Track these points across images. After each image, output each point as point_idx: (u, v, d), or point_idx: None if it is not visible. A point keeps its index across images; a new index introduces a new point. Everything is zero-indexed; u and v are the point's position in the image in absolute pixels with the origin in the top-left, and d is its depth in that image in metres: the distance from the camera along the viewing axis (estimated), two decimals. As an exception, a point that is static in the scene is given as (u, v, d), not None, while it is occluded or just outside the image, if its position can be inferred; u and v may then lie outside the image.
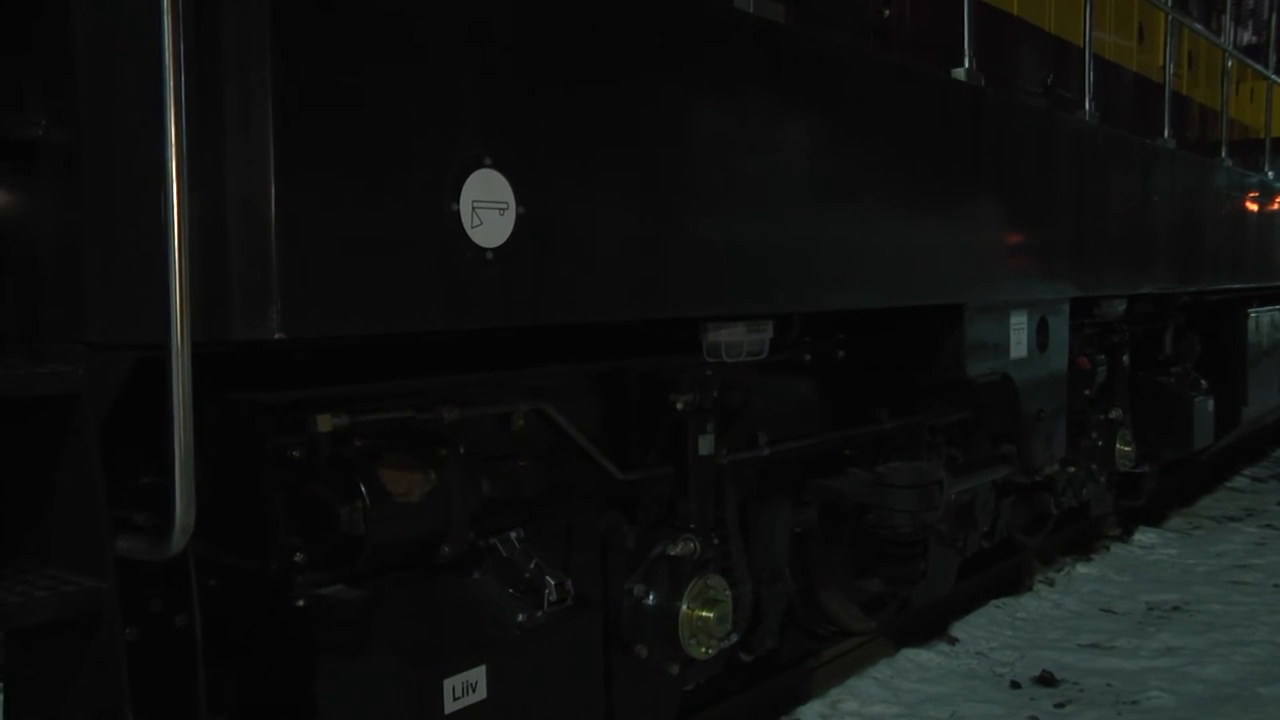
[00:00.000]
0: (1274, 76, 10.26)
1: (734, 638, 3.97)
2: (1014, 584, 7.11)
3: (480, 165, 2.60)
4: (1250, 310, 9.43)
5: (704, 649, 3.79)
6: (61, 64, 2.42)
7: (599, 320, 3.10)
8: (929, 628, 6.12)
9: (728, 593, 3.89)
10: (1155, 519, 9.07)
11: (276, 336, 2.25)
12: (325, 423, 2.81)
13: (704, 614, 3.77)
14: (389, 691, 2.93)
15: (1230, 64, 9.11)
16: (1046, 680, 5.56)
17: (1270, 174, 9.80)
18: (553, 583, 3.19)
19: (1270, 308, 10.07)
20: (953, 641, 6.04)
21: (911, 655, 5.75)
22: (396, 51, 2.46)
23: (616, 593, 3.70)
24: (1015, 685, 5.50)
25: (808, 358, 4.75)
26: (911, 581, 5.37)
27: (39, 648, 2.37)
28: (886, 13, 5.05)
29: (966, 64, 4.86)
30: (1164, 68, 7.65)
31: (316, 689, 2.95)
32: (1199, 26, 8.73)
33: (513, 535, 3.24)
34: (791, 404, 4.70)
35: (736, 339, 3.76)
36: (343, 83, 2.36)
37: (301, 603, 2.92)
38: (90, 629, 2.28)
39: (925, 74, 4.73)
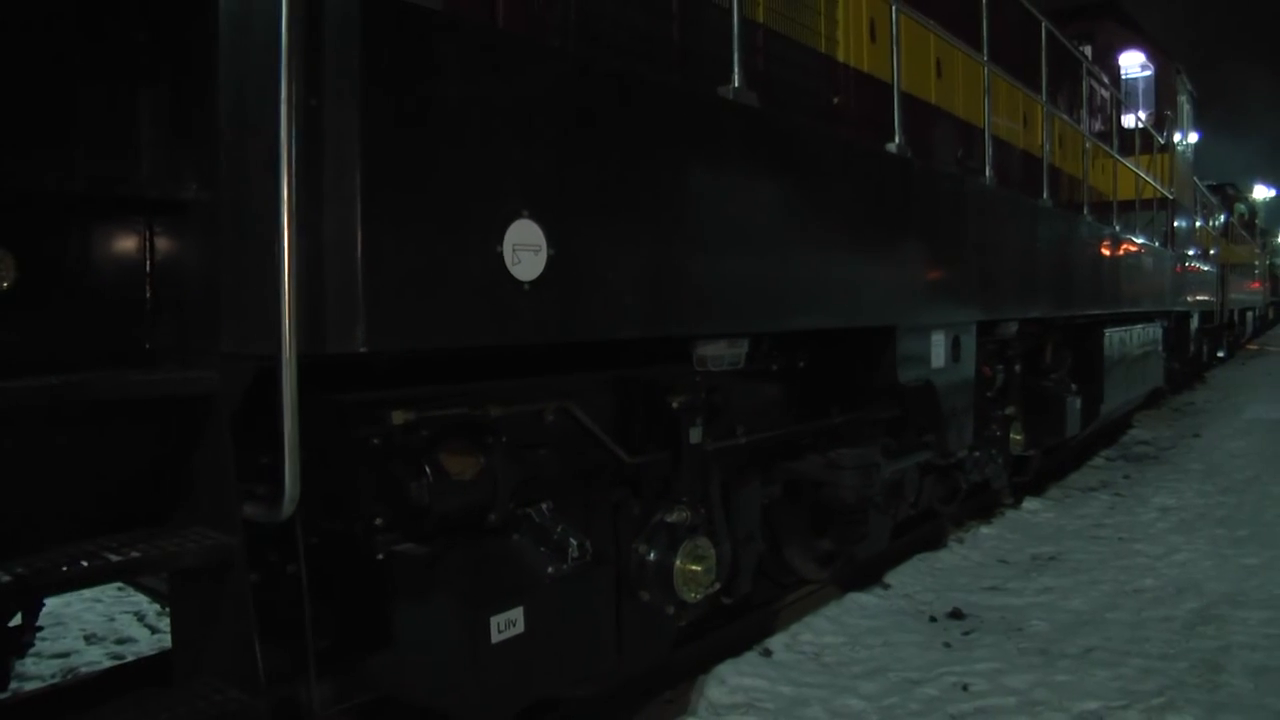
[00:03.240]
0: (1117, 155, 10.34)
1: (717, 585, 3.92)
2: (933, 542, 7.06)
3: (519, 216, 2.58)
4: (1106, 330, 9.48)
5: (694, 594, 3.74)
6: (208, 142, 2.45)
7: (612, 338, 3.07)
8: (868, 577, 6.06)
9: (712, 551, 3.84)
10: (1038, 490, 9.02)
11: (361, 350, 2.26)
12: (399, 417, 2.81)
13: (693, 567, 3.73)
14: (448, 625, 2.91)
15: (1088, 145, 9.21)
16: (956, 614, 5.50)
17: (1117, 227, 9.84)
18: (575, 543, 3.16)
19: (1121, 328, 10.13)
20: (886, 587, 5.98)
21: (855, 598, 5.69)
22: (457, 132, 2.47)
23: (625, 551, 3.65)
24: (933, 619, 5.44)
25: (775, 367, 4.71)
26: (856, 541, 5.35)
27: (191, 587, 2.42)
28: (836, 100, 5.02)
29: (897, 140, 4.84)
30: (1042, 146, 7.65)
31: (393, 623, 2.94)
32: (1066, 117, 8.78)
33: (544, 506, 3.21)
34: (763, 403, 4.66)
35: (720, 352, 3.73)
36: (413, 155, 2.36)
37: (381, 556, 2.91)
38: (225, 573, 2.32)
39: (865, 147, 4.71)
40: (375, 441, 2.89)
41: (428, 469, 2.89)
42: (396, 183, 2.31)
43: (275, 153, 2.20)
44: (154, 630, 5.24)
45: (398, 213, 2.31)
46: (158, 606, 5.26)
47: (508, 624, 2.99)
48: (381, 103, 2.28)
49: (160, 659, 3.89)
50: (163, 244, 2.58)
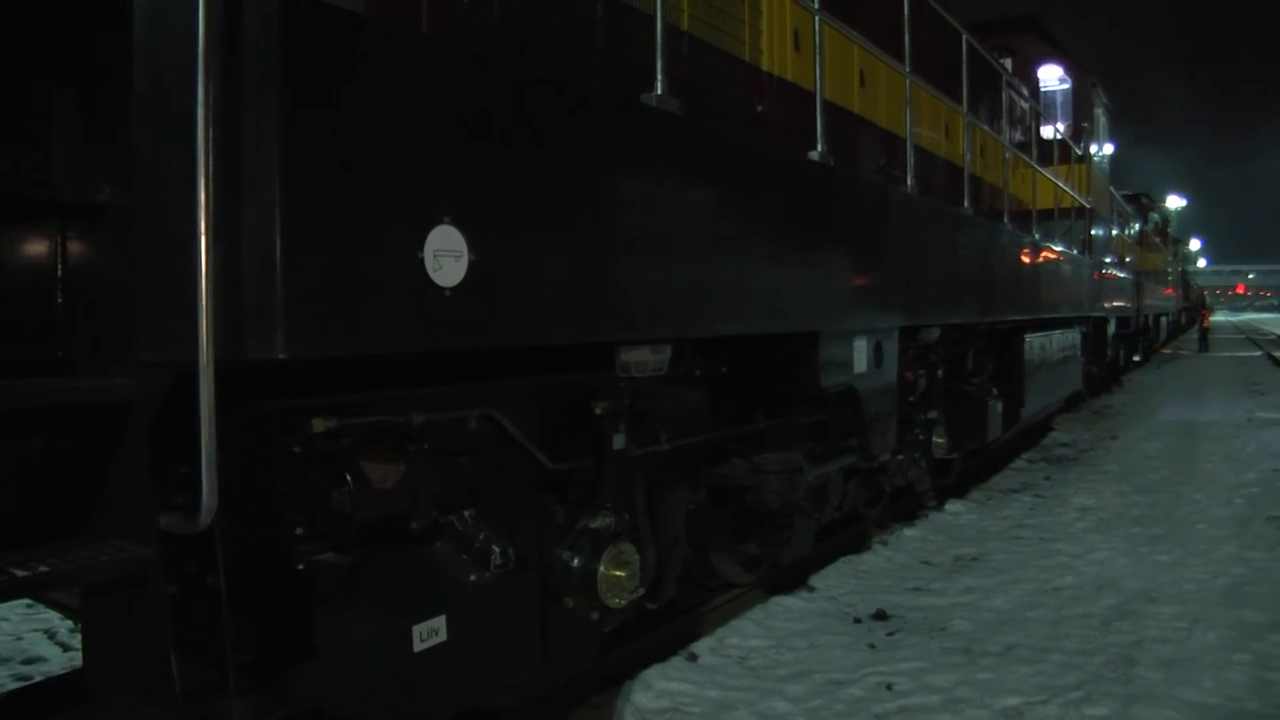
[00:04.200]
0: (1036, 166, 10.59)
1: (641, 591, 3.94)
2: (858, 545, 7.15)
3: (440, 222, 2.59)
4: (1026, 335, 9.68)
5: (618, 600, 3.76)
6: (122, 146, 2.42)
7: (534, 344, 3.09)
8: (793, 580, 6.13)
9: (636, 556, 3.86)
10: (961, 492, 9.17)
11: (280, 356, 2.25)
12: (319, 425, 2.78)
13: (617, 573, 3.75)
14: (370, 635, 2.88)
15: (1008, 155, 9.42)
16: (881, 616, 5.59)
17: (1037, 235, 10.07)
18: (498, 550, 3.16)
19: (1041, 333, 10.36)
20: (811, 590, 6.06)
21: (780, 601, 5.76)
22: (377, 137, 2.46)
23: (549, 557, 3.65)
24: (858, 620, 5.53)
25: (699, 373, 4.75)
26: (780, 545, 5.38)
27: (105, 601, 2.40)
28: (760, 108, 5.09)
29: (819, 148, 4.92)
30: (964, 155, 7.81)
31: (315, 634, 2.91)
32: (986, 127, 8.97)
33: (466, 513, 3.21)
34: (687, 409, 4.69)
35: (643, 358, 3.76)
36: (335, 163, 2.35)
37: (302, 566, 2.88)
38: (140, 586, 2.30)
39: (788, 155, 4.77)
40: (296, 449, 2.86)
41: (349, 477, 2.87)
42: (316, 187, 2.30)
43: (192, 156, 2.18)
44: (65, 648, 5.10)
45: (317, 217, 2.30)
46: (70, 623, 5.12)
47: (430, 632, 2.98)
48: (301, 106, 2.26)
49: (72, 678, 3.80)
50: (76, 249, 2.54)
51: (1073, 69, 13.81)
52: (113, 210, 2.46)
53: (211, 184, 2.19)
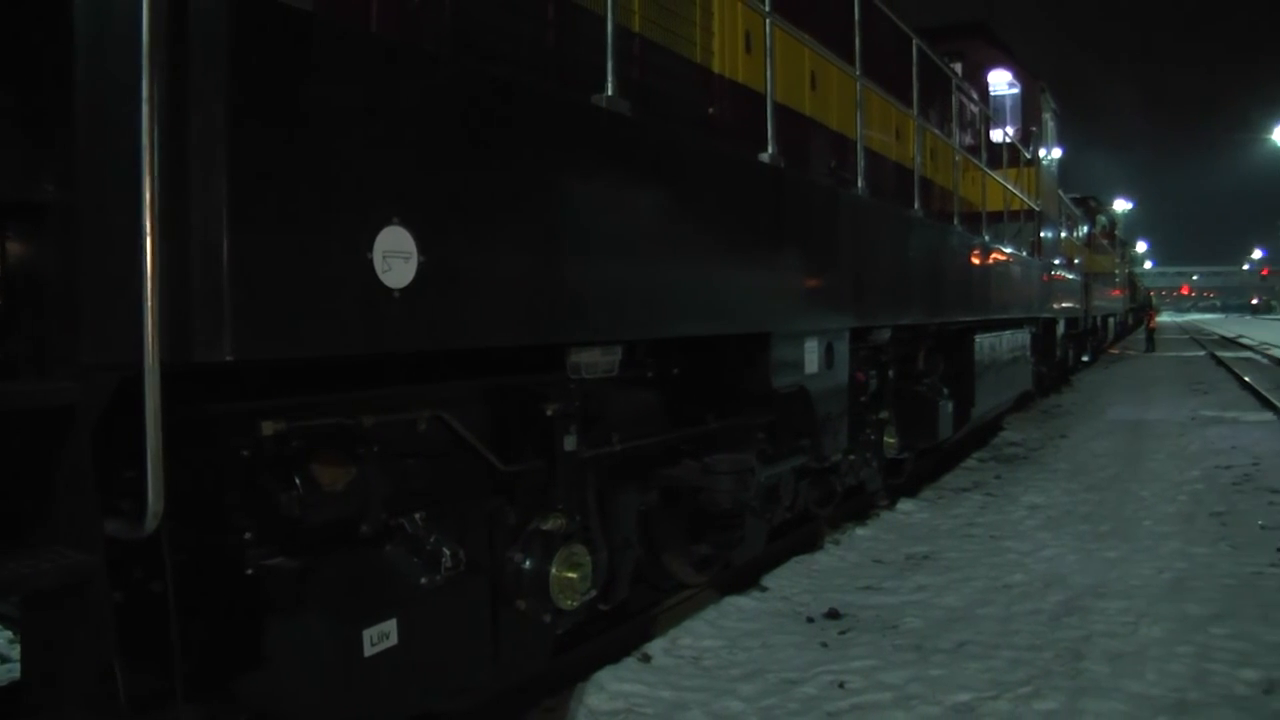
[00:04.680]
0: (985, 168, 10.74)
1: (593, 593, 3.96)
2: (810, 544, 7.20)
3: (390, 223, 2.58)
4: (976, 336, 9.81)
5: (570, 602, 3.77)
6: (66, 143, 2.38)
7: (485, 345, 3.09)
8: (746, 580, 6.17)
9: (588, 558, 3.88)
10: (912, 491, 9.27)
11: (228, 359, 2.23)
12: (268, 428, 2.77)
13: (569, 574, 3.76)
14: (320, 640, 2.88)
15: (958, 158, 9.55)
16: (833, 614, 5.64)
17: (987, 237, 10.20)
18: (448, 552, 3.15)
19: (992, 334, 10.51)
20: (764, 589, 6.10)
21: (733, 601, 5.80)
22: (327, 136, 2.45)
23: (500, 559, 3.65)
24: (810, 620, 5.58)
25: (650, 374, 4.78)
26: (732, 545, 5.42)
27: (46, 609, 2.34)
28: (711, 109, 5.12)
29: (770, 149, 4.96)
30: (914, 158, 7.91)
31: (265, 640, 2.89)
32: (937, 130, 9.07)
33: (417, 516, 3.20)
34: (638, 410, 4.71)
35: (594, 359, 3.77)
36: (283, 162, 2.34)
37: (251, 571, 2.85)
38: (84, 594, 2.25)
39: (740, 157, 4.81)
40: (245, 453, 2.84)
41: (298, 480, 2.84)
42: (264, 187, 2.28)
43: (137, 153, 2.15)
44: (3, 659, 5.01)
45: (265, 218, 2.29)
46: (10, 634, 5.03)
47: (381, 636, 2.98)
48: (249, 103, 2.24)
49: (10, 691, 3.74)
50: (16, 248, 2.50)
51: (1021, 74, 14.03)
52: (55, 209, 2.43)
53: (157, 183, 2.16)
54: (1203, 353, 35.17)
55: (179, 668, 2.72)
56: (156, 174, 2.16)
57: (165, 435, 2.23)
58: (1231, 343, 44.17)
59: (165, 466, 2.24)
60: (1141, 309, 48.55)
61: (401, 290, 2.61)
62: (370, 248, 2.53)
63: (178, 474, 2.44)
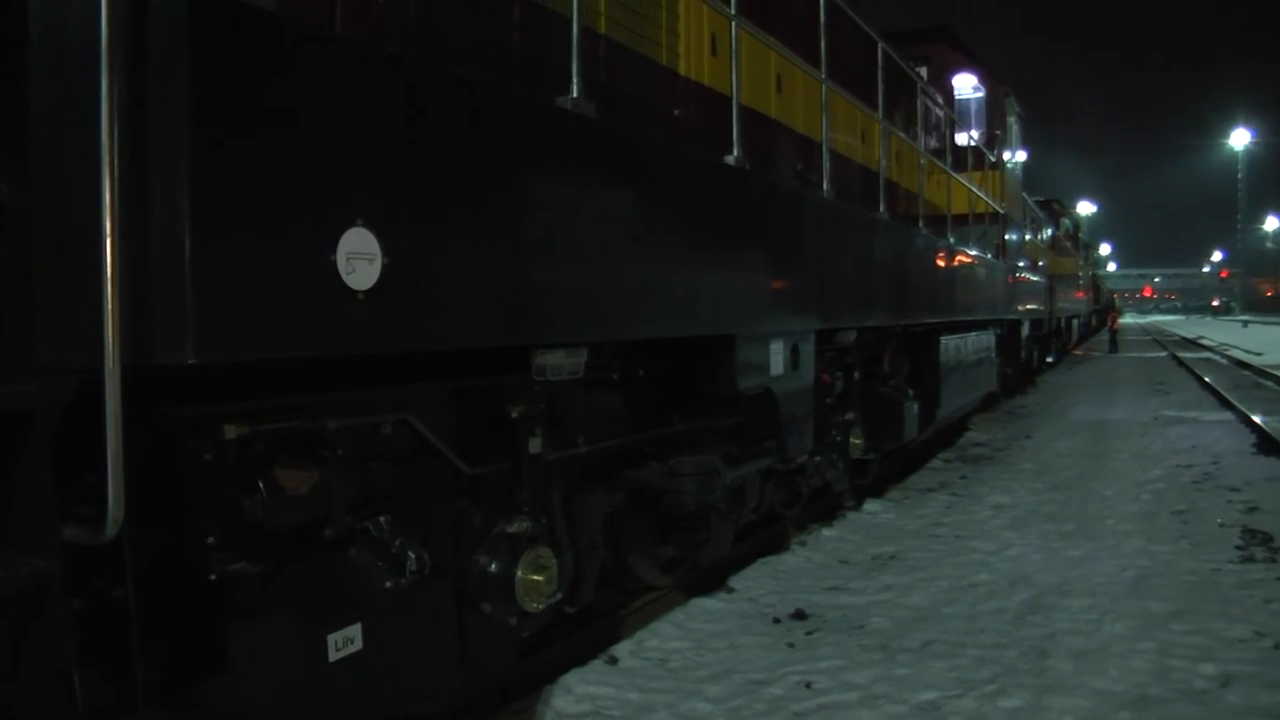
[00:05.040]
0: (950, 171, 10.84)
1: (559, 595, 3.96)
2: (776, 545, 7.23)
3: (353, 225, 2.57)
4: (942, 337, 9.89)
5: (536, 605, 3.77)
6: (20, 140, 2.33)
7: (449, 348, 3.08)
8: (712, 581, 6.18)
9: (554, 560, 3.89)
10: (878, 492, 9.32)
11: (190, 361, 2.21)
12: (231, 431, 2.74)
13: (535, 577, 3.77)
14: (284, 645, 2.86)
15: (923, 161, 9.63)
16: (800, 615, 5.67)
17: (952, 239, 10.30)
18: (413, 556, 3.14)
19: (957, 335, 10.60)
20: (730, 591, 6.12)
21: (699, 603, 5.81)
22: (290, 137, 2.44)
23: (466, 562, 3.65)
24: (777, 620, 5.60)
25: (616, 376, 4.78)
26: (698, 547, 5.44)
27: (1, 618, 2.28)
28: (676, 112, 5.14)
29: (735, 152, 4.98)
30: (879, 161, 7.97)
31: (228, 646, 2.85)
32: (902, 134, 9.14)
33: (382, 519, 3.19)
34: (604, 412, 4.72)
35: (559, 361, 3.77)
36: (246, 162, 2.33)
37: (214, 577, 2.82)
38: (42, 601, 2.20)
39: (705, 159, 4.82)
40: (207, 457, 2.81)
41: (261, 484, 2.83)
42: (227, 187, 2.27)
43: (97, 153, 2.12)
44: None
45: (229, 218, 2.27)
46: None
47: (345, 641, 2.96)
48: (211, 103, 2.23)
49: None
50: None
51: (986, 78, 14.16)
52: (12, 210, 2.40)
53: (117, 183, 2.13)
54: (1164, 353, 35.66)
55: (140, 676, 2.69)
56: (117, 174, 2.13)
57: (126, 439, 2.20)
58: (1192, 343, 44.81)
59: (126, 471, 2.22)
60: (1105, 310, 49.17)
61: (365, 292, 2.60)
62: (334, 249, 2.52)
63: (139, 478, 2.42)
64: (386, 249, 2.66)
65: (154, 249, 2.20)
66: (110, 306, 2.12)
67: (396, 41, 3.33)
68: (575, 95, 3.59)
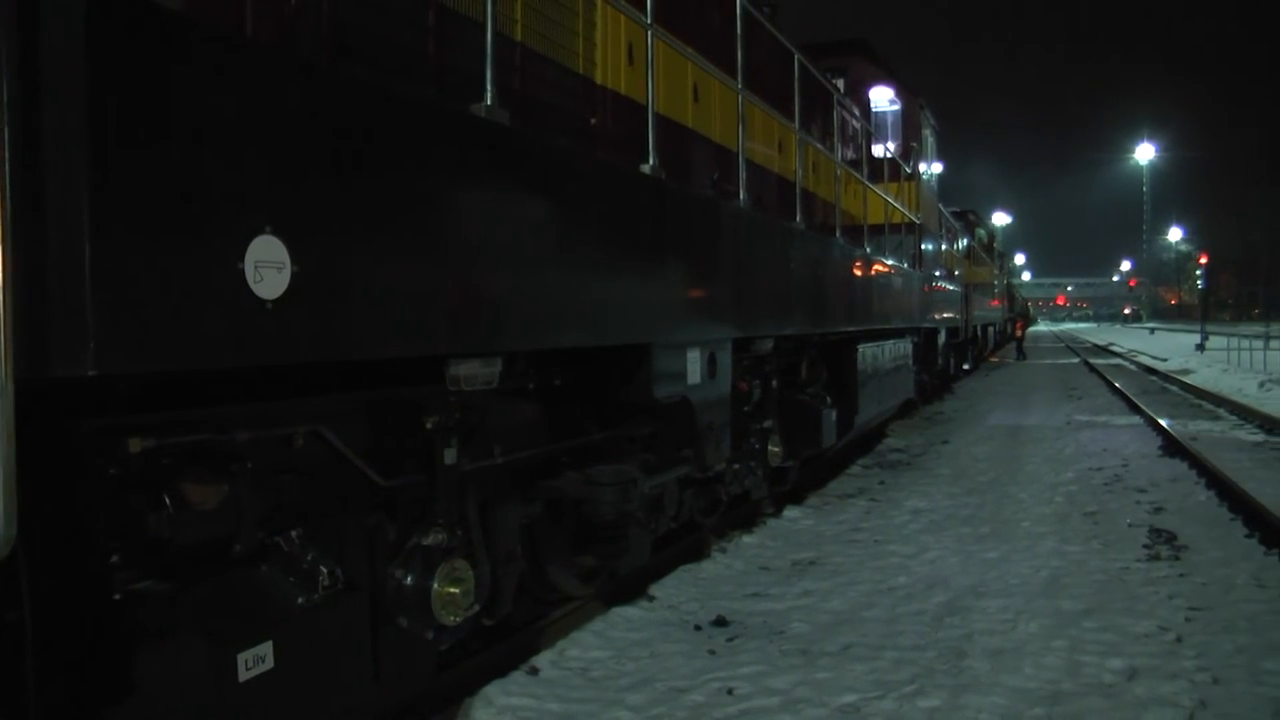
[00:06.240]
0: (867, 182, 11.04)
1: (477, 608, 3.94)
2: (696, 553, 7.27)
3: (262, 232, 2.54)
4: (859, 345, 10.05)
5: (453, 617, 3.75)
6: None
7: (361, 358, 3.05)
8: (633, 590, 6.21)
9: (470, 572, 3.86)
10: (798, 499, 9.44)
11: (90, 372, 2.15)
12: (136, 445, 2.68)
13: (451, 590, 3.74)
14: (192, 666, 2.79)
15: (840, 172, 9.78)
16: (720, 622, 5.72)
17: (869, 249, 10.47)
18: (326, 571, 3.12)
19: (874, 343, 10.79)
20: (651, 599, 6.15)
21: (620, 611, 5.83)
22: (195, 141, 2.40)
23: (381, 576, 3.62)
24: (698, 628, 5.64)
25: (532, 385, 4.78)
26: (617, 556, 5.46)
27: None
28: (593, 120, 5.16)
29: (652, 161, 5.02)
30: (796, 171, 8.07)
31: (134, 669, 2.78)
32: (819, 144, 9.28)
33: (293, 534, 3.15)
34: (520, 422, 4.70)
35: (473, 371, 3.76)
36: (149, 167, 2.28)
37: (117, 596, 2.76)
38: None
39: (620, 168, 4.84)
40: (111, 471, 2.75)
41: (168, 499, 2.77)
42: (129, 194, 2.22)
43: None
44: None
45: (130, 225, 2.22)
46: None
47: (256, 660, 2.91)
48: (110, 106, 2.18)
49: None
50: None
51: (902, 91, 14.47)
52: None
53: (10, 186, 2.07)
54: (1077, 360, 36.68)
55: (34, 704, 2.60)
56: (9, 179, 2.06)
57: (21, 454, 2.13)
58: (1103, 350, 46.20)
59: (22, 487, 2.15)
60: (1020, 318, 50.38)
61: (274, 301, 2.56)
62: (241, 257, 2.47)
63: (37, 495, 2.36)
64: (296, 257, 2.62)
65: (51, 256, 2.14)
66: (3, 315, 2.05)
67: (308, 46, 3.30)
68: (489, 103, 3.58)
